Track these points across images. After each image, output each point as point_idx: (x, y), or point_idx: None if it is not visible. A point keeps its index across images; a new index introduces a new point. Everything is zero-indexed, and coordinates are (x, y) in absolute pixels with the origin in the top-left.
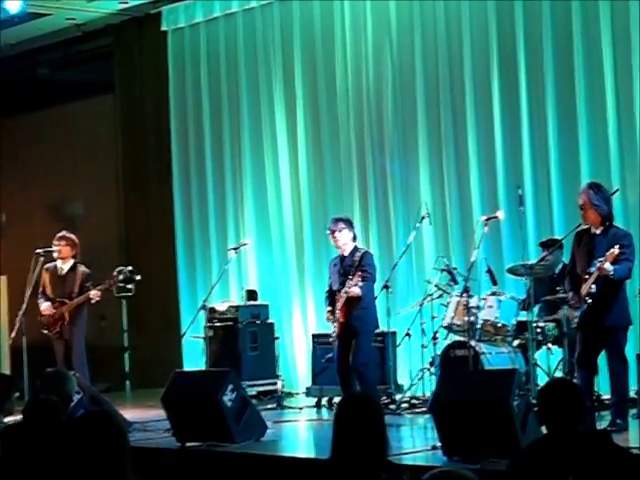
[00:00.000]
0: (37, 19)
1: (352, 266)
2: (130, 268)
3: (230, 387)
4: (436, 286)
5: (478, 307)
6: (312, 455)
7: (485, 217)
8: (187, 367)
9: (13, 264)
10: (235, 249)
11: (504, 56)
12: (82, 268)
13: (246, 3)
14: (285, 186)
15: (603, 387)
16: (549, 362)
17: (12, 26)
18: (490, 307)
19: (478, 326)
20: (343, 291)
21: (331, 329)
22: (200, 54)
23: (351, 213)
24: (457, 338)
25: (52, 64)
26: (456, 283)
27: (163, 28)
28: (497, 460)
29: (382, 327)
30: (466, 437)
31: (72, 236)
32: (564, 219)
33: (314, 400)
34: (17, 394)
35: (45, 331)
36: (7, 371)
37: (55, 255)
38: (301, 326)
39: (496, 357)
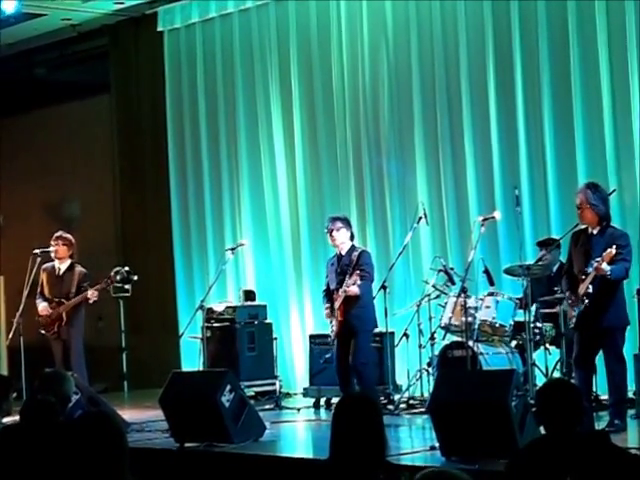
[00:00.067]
0: (33, 19)
1: (349, 265)
2: (127, 268)
3: (228, 387)
4: (433, 286)
5: (475, 307)
6: (310, 455)
7: (482, 217)
8: (185, 368)
9: (10, 264)
10: (232, 249)
11: (500, 56)
12: (79, 268)
13: (242, 3)
14: (282, 186)
15: (601, 387)
16: (547, 362)
17: (8, 26)
18: (487, 307)
19: (476, 326)
20: (341, 290)
21: (329, 329)
22: (196, 54)
23: (348, 213)
24: (455, 338)
25: (48, 64)
26: (453, 283)
27: (159, 28)
28: (495, 460)
29: (380, 327)
30: (464, 437)
31: (69, 236)
32: (561, 219)
33: (312, 400)
34: (14, 394)
35: (43, 331)
36: (5, 372)
37: (52, 255)
38: (299, 326)
39: (494, 357)
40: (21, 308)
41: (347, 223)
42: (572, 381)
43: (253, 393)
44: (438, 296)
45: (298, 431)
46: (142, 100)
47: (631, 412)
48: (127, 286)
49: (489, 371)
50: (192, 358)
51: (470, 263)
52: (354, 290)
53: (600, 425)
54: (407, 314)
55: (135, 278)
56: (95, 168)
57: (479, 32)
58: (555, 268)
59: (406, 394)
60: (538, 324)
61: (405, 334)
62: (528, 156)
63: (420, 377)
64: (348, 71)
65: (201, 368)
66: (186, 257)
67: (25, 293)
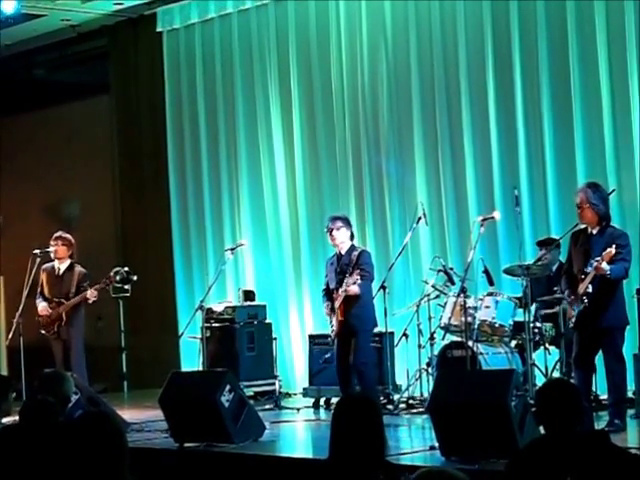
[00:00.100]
0: (32, 20)
1: (349, 265)
2: (127, 269)
3: (228, 388)
4: (433, 286)
5: (475, 307)
6: (310, 455)
7: (481, 217)
8: (185, 368)
9: (10, 265)
10: (232, 249)
11: (499, 56)
12: (79, 268)
13: (241, 4)
14: (281, 186)
15: (601, 387)
16: (546, 362)
17: (7, 27)
18: (487, 307)
19: (475, 326)
20: (341, 289)
21: (329, 328)
22: (195, 55)
23: (347, 213)
24: (454, 338)
25: (48, 65)
26: (453, 283)
27: (158, 29)
28: (495, 460)
29: (379, 328)
30: (464, 437)
31: (68, 236)
32: (560, 219)
33: (311, 400)
34: (14, 395)
35: (43, 331)
36: (4, 372)
37: (52, 255)
38: (298, 326)
39: (493, 357)
40: (21, 308)
41: (347, 222)
42: (572, 381)
43: (252, 393)
44: (438, 296)
45: (298, 431)
46: (141, 100)
47: (631, 412)
48: (127, 286)
49: (489, 371)
50: (192, 358)
51: (469, 263)
52: (354, 289)
53: (600, 425)
54: (406, 314)
55: (135, 278)
56: (95, 168)
57: (478, 32)
58: (554, 268)
59: (406, 394)
60: (538, 324)
61: (405, 334)
62: (527, 156)
63: (420, 377)
64: (347, 71)
65: (201, 368)
66: (186, 257)
67: (25, 293)
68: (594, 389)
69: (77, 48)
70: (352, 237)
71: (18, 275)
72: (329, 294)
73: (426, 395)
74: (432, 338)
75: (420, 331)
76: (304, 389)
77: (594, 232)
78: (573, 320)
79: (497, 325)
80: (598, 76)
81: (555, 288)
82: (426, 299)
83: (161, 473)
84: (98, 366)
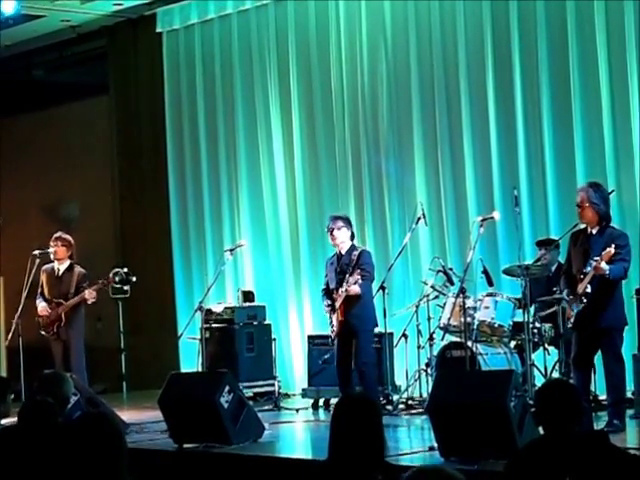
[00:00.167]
0: (31, 21)
1: (349, 264)
2: (126, 269)
3: (227, 388)
4: (432, 287)
5: (474, 308)
6: (309, 456)
7: (481, 218)
8: (184, 368)
9: (10, 265)
10: (231, 250)
11: (499, 56)
12: (78, 269)
13: (241, 4)
14: (280, 186)
15: (600, 387)
16: (546, 363)
17: (7, 28)
18: (486, 308)
19: (474, 327)
20: (342, 289)
21: (329, 329)
22: (195, 55)
23: (346, 213)
24: (453, 339)
25: (47, 66)
26: (452, 284)
27: (158, 30)
28: (494, 461)
29: (379, 328)
30: (463, 438)
31: (68, 237)
32: (560, 219)
33: (311, 401)
34: (12, 396)
35: (43, 332)
36: (4, 373)
37: (51, 256)
38: (297, 327)
39: (493, 358)
40: (20, 309)
41: (348, 222)
42: (571, 381)
43: (252, 394)
44: (437, 296)
45: (297, 432)
46: (141, 101)
47: (630, 412)
48: (126, 287)
49: (488, 371)
50: (191, 359)
51: (469, 263)
52: (355, 289)
53: (599, 425)
54: (406, 315)
55: (134, 279)
56: (94, 169)
57: (478, 32)
58: (554, 268)
59: (405, 394)
60: (537, 324)
61: (404, 334)
62: (527, 156)
63: (419, 377)
64: (347, 71)
65: (200, 369)
66: (185, 258)
67: (24, 294)
68: (593, 389)
69: (77, 49)
70: (352, 237)
71: (17, 276)
72: (329, 294)
73: (425, 396)
74: (431, 338)
75: (419, 331)
76: (303, 390)
77: (594, 232)
78: (572, 320)
79: (496, 325)
80: (598, 76)
81: (554, 288)
82: (425, 299)
83: (160, 474)
84: (97, 367)
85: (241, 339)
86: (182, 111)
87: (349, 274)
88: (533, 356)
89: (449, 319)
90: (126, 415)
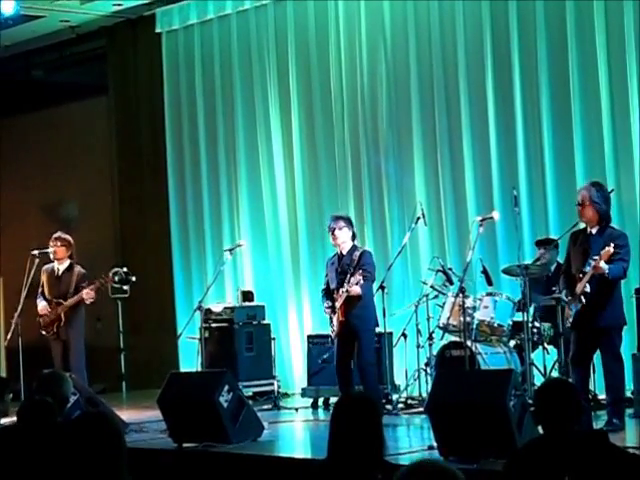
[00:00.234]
0: (31, 21)
1: (350, 265)
2: (125, 269)
3: (226, 388)
4: (432, 287)
5: (474, 307)
6: (308, 455)
7: (480, 217)
8: (183, 368)
9: (9, 265)
10: (230, 250)
11: (498, 56)
12: (78, 269)
13: (240, 5)
14: (280, 187)
15: (599, 387)
16: (545, 362)
17: (6, 28)
18: (486, 307)
19: (474, 326)
20: (343, 290)
21: (330, 329)
22: (194, 56)
23: (346, 213)
24: (453, 338)
25: (46, 66)
26: (451, 284)
27: (157, 30)
28: (494, 460)
29: (378, 328)
30: (462, 437)
31: (67, 237)
32: (559, 219)
33: (310, 401)
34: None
35: (43, 332)
36: (3, 372)
37: (51, 256)
38: (297, 327)
39: (492, 357)
40: (19, 309)
41: (349, 222)
42: (570, 381)
43: (251, 393)
44: (436, 296)
45: (296, 431)
46: (140, 101)
47: (629, 411)
48: (125, 287)
49: (487, 371)
50: (190, 358)
51: (468, 263)
52: (356, 290)
53: (598, 424)
54: (405, 314)
55: (133, 279)
56: (93, 169)
57: (477, 32)
58: (553, 268)
59: (404, 394)
60: (536, 324)
61: (403, 334)
62: (526, 156)
63: (418, 377)
64: (346, 72)
65: (199, 368)
66: (184, 258)
67: (23, 294)
68: (592, 389)
69: (76, 49)
70: (354, 237)
71: (17, 276)
72: (329, 294)
73: (425, 395)
74: (431, 338)
75: (419, 331)
76: (302, 389)
77: (593, 232)
78: (570, 320)
79: (496, 325)
80: (597, 77)
81: (554, 288)
82: (425, 299)
83: (159, 473)
84: (97, 366)
85: (240, 339)
86: (181, 111)
87: (351, 274)
88: (532, 355)
89: (448, 318)
90: (125, 415)
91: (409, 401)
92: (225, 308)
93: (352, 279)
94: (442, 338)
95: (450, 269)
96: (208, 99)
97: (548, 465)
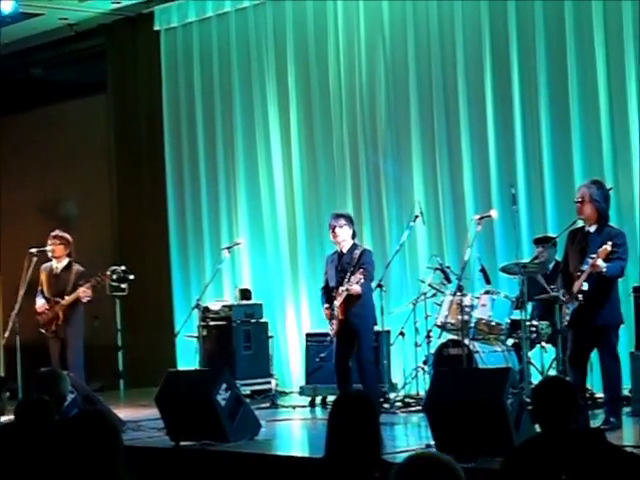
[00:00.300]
0: (30, 19)
1: (350, 263)
2: (123, 268)
3: (224, 386)
4: (430, 285)
5: (472, 306)
6: (306, 454)
7: (478, 216)
8: (181, 366)
9: (8, 264)
10: (228, 248)
11: (497, 55)
12: (77, 267)
13: (239, 3)
14: (278, 185)
15: (596, 385)
16: (543, 361)
17: (5, 26)
18: (484, 306)
19: (472, 325)
20: (344, 288)
21: (329, 327)
22: (193, 54)
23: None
24: (451, 337)
25: (45, 64)
26: (449, 282)
27: (156, 28)
28: (491, 458)
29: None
30: (460, 436)
31: (66, 235)
32: (557, 218)
33: (308, 399)
34: (7, 394)
35: (42, 330)
36: (0, 371)
37: (49, 254)
38: (295, 325)
39: (490, 356)
40: (17, 307)
41: (350, 220)
42: (568, 379)
43: (249, 392)
44: (434, 294)
45: (294, 430)
46: (139, 99)
47: (627, 410)
48: (123, 285)
49: (485, 369)
50: (188, 357)
51: (466, 262)
52: (357, 289)
53: (595, 423)
54: (403, 312)
55: (131, 277)
56: (92, 167)
57: (476, 32)
58: (551, 266)
59: (402, 392)
60: (534, 322)
61: (401, 332)
62: (525, 155)
63: (416, 375)
64: (345, 70)
65: (197, 367)
66: (182, 256)
67: (21, 292)
68: (590, 387)
69: (75, 47)
70: (354, 235)
71: (15, 274)
72: (328, 293)
73: (422, 393)
74: (429, 336)
75: (417, 329)
76: (300, 387)
77: (591, 230)
78: (567, 318)
79: (493, 323)
80: (596, 75)
81: (552, 287)
82: (423, 297)
83: (157, 472)
84: (94, 365)
85: (238, 337)
86: (180, 109)
87: (351, 273)
88: (530, 354)
89: (446, 317)
90: (123, 413)
91: (407, 399)
92: (223, 306)
93: (352, 278)
94: (440, 336)
95: (448, 267)
96: (207, 97)
97: (545, 463)
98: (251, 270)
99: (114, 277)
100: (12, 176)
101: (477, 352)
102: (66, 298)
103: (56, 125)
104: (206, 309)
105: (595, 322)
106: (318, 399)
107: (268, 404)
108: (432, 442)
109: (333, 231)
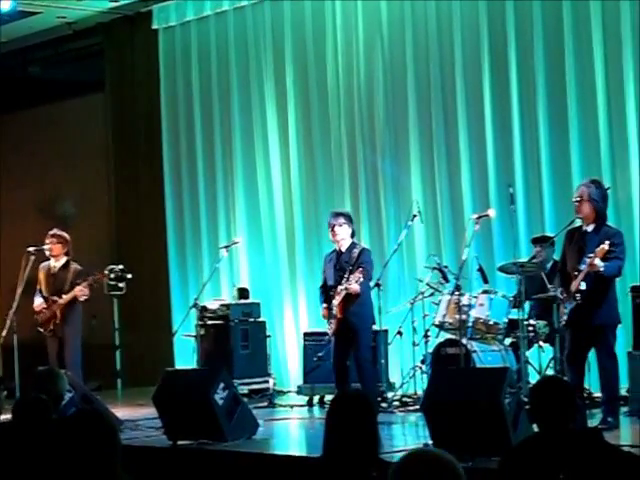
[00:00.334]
0: (28, 17)
1: (349, 262)
2: (121, 267)
3: (221, 385)
4: (427, 284)
5: (469, 305)
6: (304, 453)
7: (476, 215)
8: (179, 365)
9: (6, 263)
10: (226, 247)
11: (495, 55)
12: (74, 265)
13: (237, 1)
14: (276, 184)
15: (594, 385)
16: (540, 360)
17: (3, 24)
18: (481, 305)
19: (469, 324)
20: (343, 287)
21: (327, 326)
22: (191, 52)
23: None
24: (448, 336)
25: (43, 62)
26: (447, 281)
27: (154, 26)
28: (488, 458)
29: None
30: (458, 435)
31: (63, 234)
32: (555, 217)
33: (305, 398)
34: (5, 392)
35: (40, 329)
36: None
37: (47, 253)
38: (292, 324)
39: (487, 355)
40: (15, 306)
41: (349, 219)
42: (565, 379)
43: (247, 391)
44: (432, 294)
45: (291, 429)
46: (137, 98)
47: (624, 409)
48: (121, 284)
49: (482, 369)
50: (186, 356)
51: (464, 261)
52: (356, 288)
53: (593, 423)
54: (401, 312)
55: (129, 276)
56: (90, 166)
57: (474, 31)
58: (549, 266)
59: (399, 392)
60: (532, 321)
61: (399, 332)
62: (523, 154)
63: (414, 375)
64: (343, 69)
65: (195, 366)
66: (180, 255)
67: (19, 291)
68: (587, 387)
69: (73, 45)
70: (353, 234)
71: (13, 273)
72: (326, 292)
73: (420, 393)
74: (426, 336)
75: (414, 329)
76: (298, 387)
77: (589, 230)
78: (565, 318)
79: (491, 323)
80: (594, 75)
81: (550, 286)
82: (421, 297)
83: (154, 471)
84: (92, 364)
85: (236, 336)
86: (178, 108)
87: (350, 272)
88: (528, 353)
89: (444, 316)
90: (120, 412)
91: (404, 399)
92: (221, 305)
93: (352, 277)
94: (438, 336)
95: (446, 267)
96: (205, 96)
97: (543, 463)
98: (249, 269)
99: (112, 276)
100: (9, 175)
101: (475, 351)
102: (63, 297)
103: (54, 124)
104: (204, 308)
105: (593, 322)
106: (316, 398)
107: (266, 403)
108: (430, 441)
109: (332, 230)
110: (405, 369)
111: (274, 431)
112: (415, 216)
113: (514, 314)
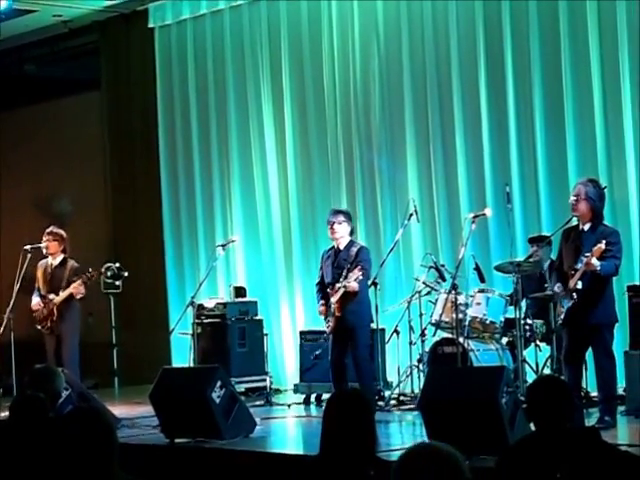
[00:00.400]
0: (23, 16)
1: (347, 260)
2: (118, 265)
3: (219, 384)
4: (424, 283)
5: (466, 304)
6: (301, 452)
7: (473, 214)
8: (175, 364)
9: (3, 261)
10: (223, 246)
11: (491, 54)
12: (71, 263)
13: (233, 0)
14: (273, 183)
15: (591, 384)
16: (537, 359)
17: None
18: (478, 304)
19: (466, 323)
20: (341, 285)
21: (325, 324)
22: (187, 51)
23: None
24: (445, 335)
25: (39, 61)
26: (444, 280)
27: (150, 25)
28: (486, 457)
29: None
30: (454, 434)
31: (60, 231)
32: (552, 216)
33: (302, 397)
34: (0, 390)
35: (38, 327)
36: None
37: (44, 251)
38: (289, 323)
39: (484, 354)
40: (11, 303)
41: (349, 217)
42: (562, 378)
43: (243, 389)
44: (429, 293)
45: (288, 427)
46: (133, 96)
47: (621, 409)
48: (118, 282)
49: (479, 368)
50: (182, 354)
51: (461, 260)
52: (354, 286)
53: (590, 422)
54: (398, 311)
55: (126, 274)
56: (86, 164)
57: (470, 30)
58: (546, 265)
59: (396, 390)
60: (529, 321)
61: (396, 331)
62: (519, 153)
63: (410, 373)
64: (339, 68)
65: (191, 364)
66: (177, 253)
67: (16, 289)
68: (584, 386)
69: (68, 44)
70: (352, 232)
71: (11, 271)
72: (323, 289)
73: (417, 391)
74: (423, 335)
75: (411, 328)
76: (295, 385)
77: (585, 229)
78: (562, 317)
79: (488, 322)
80: (590, 74)
81: (546, 285)
82: (417, 296)
83: (151, 469)
84: (89, 362)
85: (233, 334)
86: (174, 106)
87: (348, 270)
88: (524, 352)
89: (441, 315)
90: (117, 410)
91: (401, 398)
92: (217, 304)
93: (351, 275)
94: (434, 335)
95: (443, 266)
96: (201, 95)
97: (540, 462)
98: (246, 268)
99: (109, 274)
100: (6, 172)
101: (472, 350)
102: (59, 294)
103: (50, 122)
104: (201, 306)
105: (590, 321)
106: (313, 397)
107: (263, 402)
108: (427, 440)
109: (332, 227)
110: (402, 368)
111: (271, 429)
112: (412, 215)
113: (511, 313)
